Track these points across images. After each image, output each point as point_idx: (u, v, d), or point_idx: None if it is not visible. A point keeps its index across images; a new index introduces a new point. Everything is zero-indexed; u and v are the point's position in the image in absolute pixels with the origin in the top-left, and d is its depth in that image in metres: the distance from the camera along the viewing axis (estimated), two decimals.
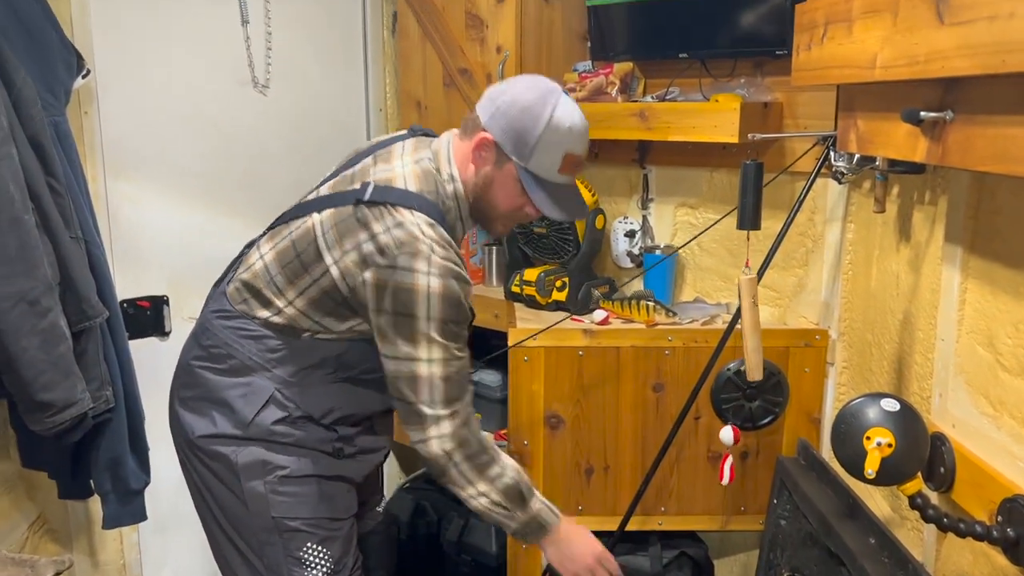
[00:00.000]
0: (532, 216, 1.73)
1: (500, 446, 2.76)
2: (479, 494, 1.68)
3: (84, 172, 2.13)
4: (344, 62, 3.00)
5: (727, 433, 2.08)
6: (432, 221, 1.58)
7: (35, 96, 1.85)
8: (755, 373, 1.92)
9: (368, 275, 1.57)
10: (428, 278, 1.53)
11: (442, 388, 1.60)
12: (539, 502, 1.77)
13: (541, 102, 1.59)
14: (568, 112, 1.61)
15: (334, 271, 1.61)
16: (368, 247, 1.56)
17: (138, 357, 2.22)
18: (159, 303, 2.59)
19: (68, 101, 2.07)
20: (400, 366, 1.59)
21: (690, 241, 2.50)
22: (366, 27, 3.04)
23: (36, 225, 1.78)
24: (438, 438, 1.62)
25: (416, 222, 1.56)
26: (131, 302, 2.51)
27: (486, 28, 2.63)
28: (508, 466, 1.72)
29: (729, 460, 2.14)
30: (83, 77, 2.13)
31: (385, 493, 2.23)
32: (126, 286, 2.47)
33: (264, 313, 1.70)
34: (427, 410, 1.60)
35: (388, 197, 1.58)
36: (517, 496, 1.72)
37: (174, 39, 2.53)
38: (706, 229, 2.45)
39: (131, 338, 2.27)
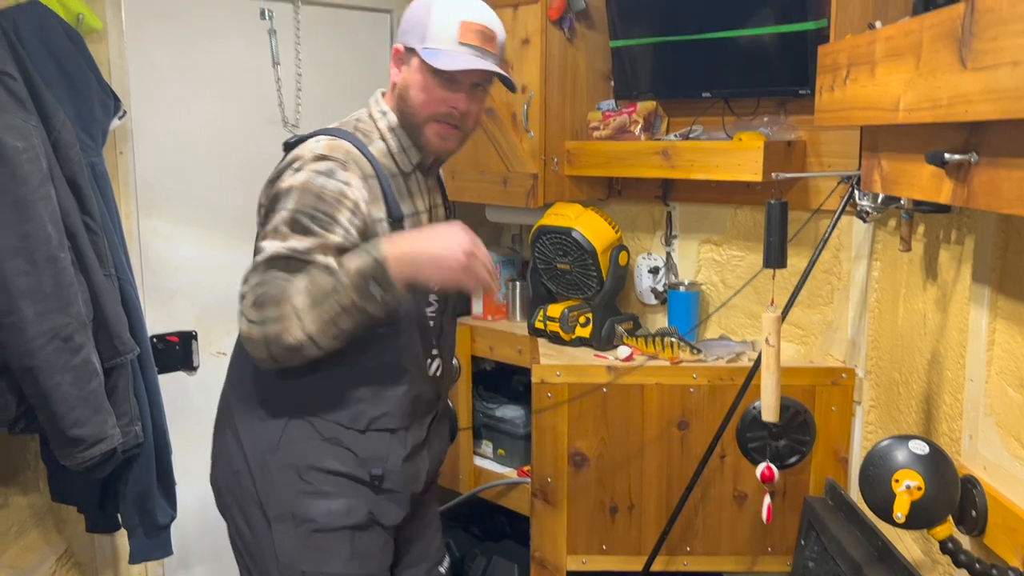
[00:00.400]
0: (458, 108, 1.58)
1: (523, 483, 2.77)
2: (297, 317, 1.40)
3: (118, 210, 2.18)
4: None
5: (771, 473, 2.08)
6: (335, 146, 1.52)
7: (73, 138, 1.90)
8: (770, 414, 1.91)
9: (264, 191, 1.55)
10: (295, 174, 1.47)
11: (262, 266, 1.45)
12: (352, 262, 1.45)
13: None
14: None
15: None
16: (269, 178, 1.56)
17: (166, 391, 2.25)
18: (187, 338, 2.63)
19: (104, 142, 2.12)
20: (255, 256, 1.49)
21: (736, 292, 2.50)
22: None
23: (72, 263, 1.82)
24: (240, 315, 1.45)
25: (311, 143, 1.53)
26: (160, 337, 2.55)
27: (511, 68, 2.67)
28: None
29: (767, 499, 2.11)
30: (119, 118, 2.19)
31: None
32: (156, 321, 2.51)
33: None
34: (242, 288, 1.46)
35: (298, 138, 1.59)
36: (316, 285, 1.42)
37: (207, 80, 2.59)
38: (745, 283, 2.44)
39: (160, 373, 2.30)
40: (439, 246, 1.44)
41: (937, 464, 1.43)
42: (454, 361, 2.95)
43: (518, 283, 3.02)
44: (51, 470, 2.12)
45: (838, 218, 2.09)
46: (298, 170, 1.48)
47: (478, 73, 1.58)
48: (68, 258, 1.81)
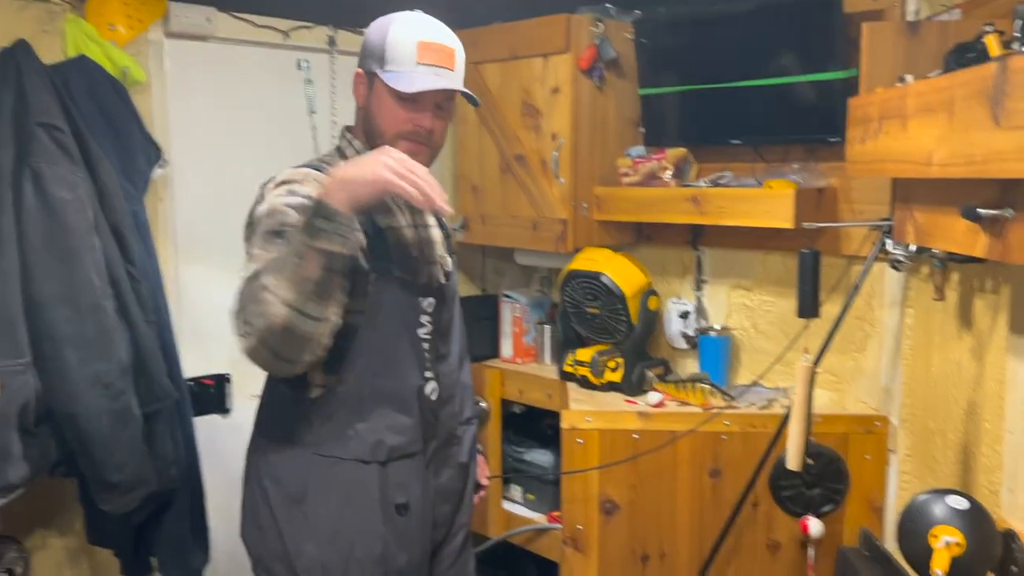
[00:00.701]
0: (423, 126, 1.58)
1: (553, 529, 2.75)
2: (267, 292, 1.35)
3: (157, 256, 2.23)
4: None
5: (816, 526, 2.06)
6: (292, 172, 1.55)
7: (118, 188, 1.96)
8: (794, 462, 1.89)
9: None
10: (260, 205, 1.49)
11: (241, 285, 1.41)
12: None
13: (387, 17, 1.60)
14: (411, 13, 1.60)
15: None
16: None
17: (199, 434, 2.27)
18: (222, 381, 2.66)
19: (146, 190, 2.18)
20: None
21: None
22: None
23: (114, 310, 1.87)
24: (237, 337, 1.40)
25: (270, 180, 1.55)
26: (196, 380, 2.58)
27: (541, 116, 2.71)
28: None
29: (811, 552, 2.09)
30: (160, 167, 2.25)
31: None
32: (191, 364, 2.55)
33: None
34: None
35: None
36: (280, 246, 1.40)
37: (244, 128, 2.66)
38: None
39: (194, 415, 2.33)
40: (368, 161, 1.41)
41: (977, 520, 1.42)
42: (483, 404, 2.95)
43: (547, 326, 3.03)
44: (88, 513, 2.15)
45: (870, 266, 2.09)
46: (262, 200, 1.51)
47: (436, 92, 1.58)
48: (111, 305, 1.86)
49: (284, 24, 2.70)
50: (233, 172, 2.66)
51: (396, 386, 1.63)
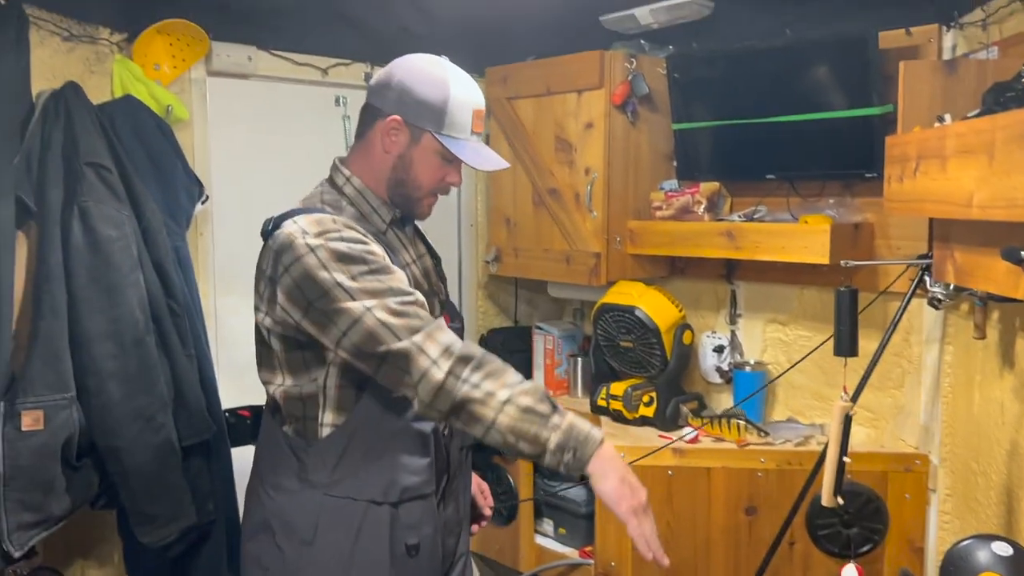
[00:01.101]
0: (454, 184, 1.64)
1: (585, 564, 2.73)
2: (502, 404, 1.40)
3: (198, 289, 2.26)
4: None
5: (850, 572, 2.02)
6: (319, 218, 1.51)
7: (161, 224, 2.01)
8: (828, 499, 1.87)
9: (279, 293, 1.50)
10: (311, 254, 1.45)
11: (402, 323, 1.43)
12: (572, 416, 1.47)
13: (439, 70, 1.56)
14: (462, 72, 1.59)
15: (267, 322, 1.55)
16: (268, 274, 1.53)
17: (235, 465, 2.29)
18: (258, 412, 2.68)
19: (188, 226, 2.23)
20: (354, 337, 1.44)
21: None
22: None
23: (156, 344, 1.90)
24: (433, 363, 1.41)
25: (289, 225, 1.52)
26: (232, 411, 2.60)
27: (575, 151, 2.73)
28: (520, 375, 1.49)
29: None
30: (202, 203, 2.30)
31: None
32: (228, 395, 2.58)
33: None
34: (403, 344, 1.42)
35: (273, 222, 1.57)
36: (545, 396, 1.45)
37: (283, 164, 2.70)
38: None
39: (231, 446, 2.35)
40: (636, 481, 1.46)
41: (1022, 567, 1.39)
42: None
43: (580, 359, 3.03)
44: (127, 545, 2.17)
45: (907, 302, 2.07)
46: (309, 249, 1.45)
47: None
48: (153, 340, 1.89)
49: (323, 62, 2.75)
50: (272, 206, 2.68)
51: (411, 425, 1.57)
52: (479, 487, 1.92)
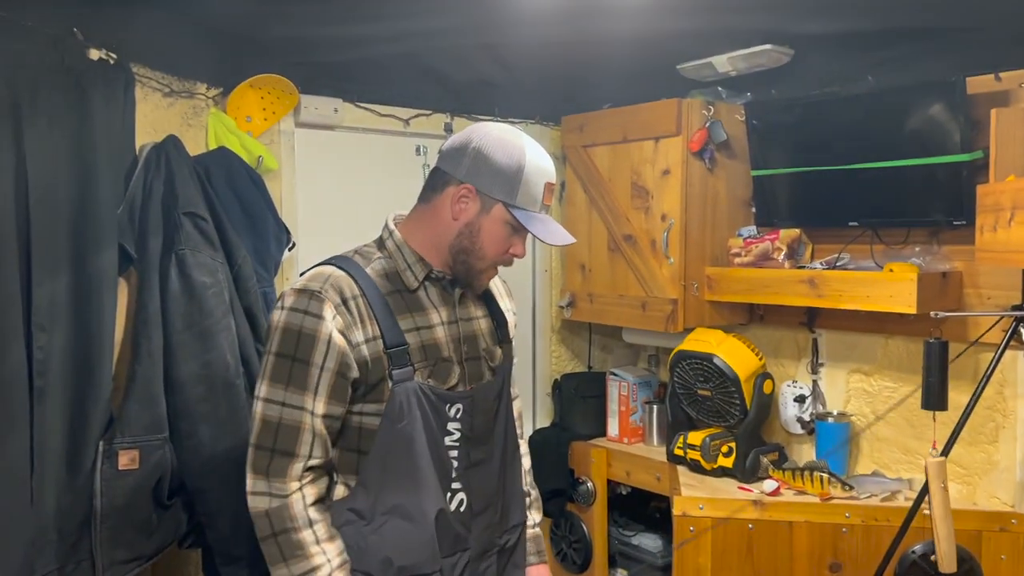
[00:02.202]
0: (518, 256, 1.60)
1: None
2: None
3: None
4: None
5: None
6: (314, 275, 1.53)
7: (252, 271, 2.08)
8: (948, 564, 1.80)
9: None
10: (279, 312, 1.49)
11: (256, 430, 1.47)
12: None
13: (515, 140, 1.54)
14: (536, 145, 1.57)
15: None
16: None
17: None
18: None
19: (277, 272, 2.30)
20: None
21: None
22: None
23: (245, 388, 1.96)
24: (250, 493, 1.46)
25: (296, 281, 1.53)
26: None
27: (651, 198, 2.74)
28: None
29: None
30: (289, 250, 2.37)
31: None
32: None
33: None
34: (248, 453, 1.47)
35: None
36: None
37: (365, 210, 2.75)
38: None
39: None
40: None
41: None
42: (589, 484, 2.91)
43: (655, 406, 3.00)
44: None
45: (1002, 353, 1.99)
46: (282, 308, 1.49)
47: None
48: (243, 384, 1.95)
49: (404, 112, 2.84)
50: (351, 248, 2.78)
51: (410, 501, 1.53)
52: None
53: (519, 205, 1.53)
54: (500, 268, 1.65)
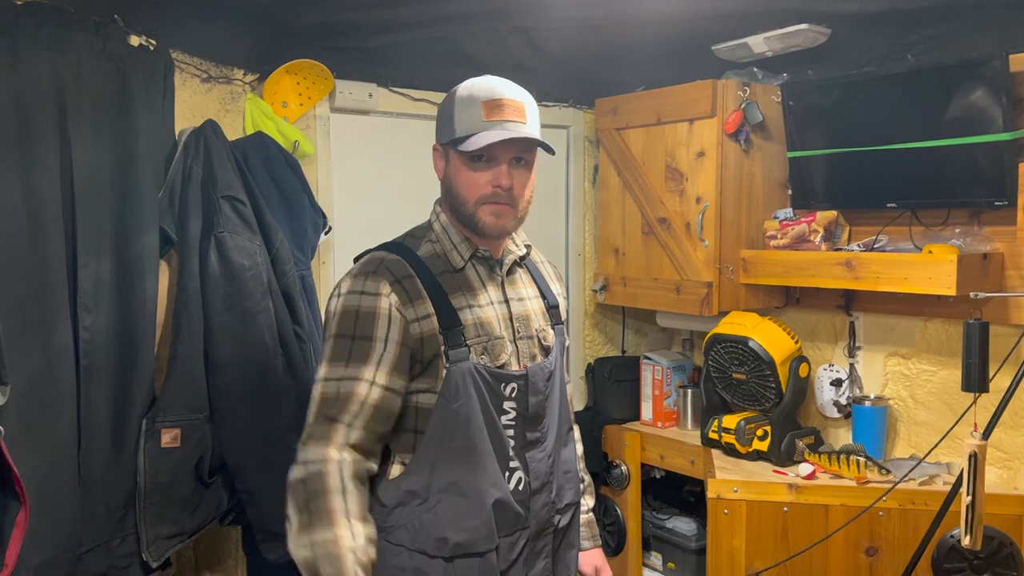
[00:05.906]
0: (500, 185, 1.54)
1: None
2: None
3: (321, 316, 2.36)
4: (548, 210, 3.18)
5: None
6: (368, 259, 1.57)
7: (289, 254, 2.11)
8: (976, 541, 1.78)
9: None
10: (336, 300, 1.53)
11: (313, 410, 1.49)
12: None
13: (460, 85, 1.57)
14: (476, 78, 1.57)
15: None
16: None
17: None
18: None
19: (313, 256, 2.33)
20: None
21: None
22: (568, 178, 3.22)
23: (283, 368, 1.99)
24: (295, 464, 1.47)
25: (353, 267, 1.58)
26: None
27: (686, 180, 2.72)
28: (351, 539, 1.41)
29: None
30: (326, 234, 2.40)
31: None
32: None
33: None
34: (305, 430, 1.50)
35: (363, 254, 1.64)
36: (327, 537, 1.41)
37: (399, 194, 2.80)
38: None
39: None
40: None
41: None
42: (623, 467, 2.92)
43: (689, 390, 2.99)
44: (250, 561, 2.27)
45: None
46: (339, 295, 1.53)
47: (510, 147, 1.53)
48: (281, 364, 1.98)
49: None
50: (388, 235, 2.79)
51: (464, 479, 1.53)
52: (592, 567, 1.83)
53: (461, 135, 1.53)
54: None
